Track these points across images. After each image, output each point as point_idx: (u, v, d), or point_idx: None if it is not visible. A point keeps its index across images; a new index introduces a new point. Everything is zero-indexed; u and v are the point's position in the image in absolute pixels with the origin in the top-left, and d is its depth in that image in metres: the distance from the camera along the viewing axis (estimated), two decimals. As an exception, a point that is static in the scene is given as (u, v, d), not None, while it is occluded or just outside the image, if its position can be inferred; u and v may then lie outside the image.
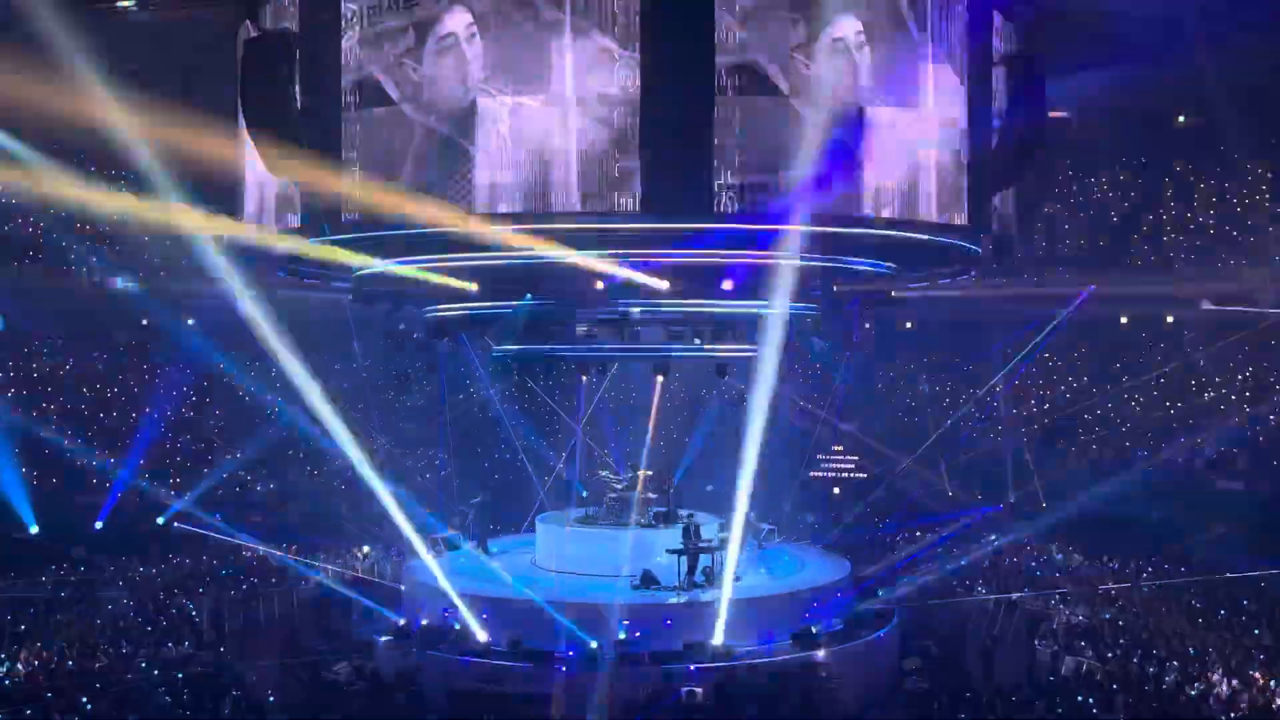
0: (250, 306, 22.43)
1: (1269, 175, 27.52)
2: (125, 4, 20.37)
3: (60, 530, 24.03)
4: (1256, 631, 18.55)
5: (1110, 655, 17.95)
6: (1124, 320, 30.50)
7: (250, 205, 18.45)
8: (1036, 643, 19.45)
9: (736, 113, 15.03)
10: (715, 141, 15.01)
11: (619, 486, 22.60)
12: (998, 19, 17.22)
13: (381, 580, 22.72)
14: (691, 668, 17.62)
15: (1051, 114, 17.91)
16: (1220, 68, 22.98)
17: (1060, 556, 24.25)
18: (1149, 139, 29.66)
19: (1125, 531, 24.05)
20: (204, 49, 20.96)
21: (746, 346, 21.18)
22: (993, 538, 24.66)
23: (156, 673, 17.00)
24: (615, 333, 19.34)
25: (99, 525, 24.56)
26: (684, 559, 20.00)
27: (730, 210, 15.23)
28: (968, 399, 30.23)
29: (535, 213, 15.41)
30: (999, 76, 17.06)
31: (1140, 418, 28.01)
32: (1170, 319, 29.50)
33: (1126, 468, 26.49)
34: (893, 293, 20.20)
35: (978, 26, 16.70)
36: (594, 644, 18.11)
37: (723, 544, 20.62)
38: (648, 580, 20.03)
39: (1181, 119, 29.66)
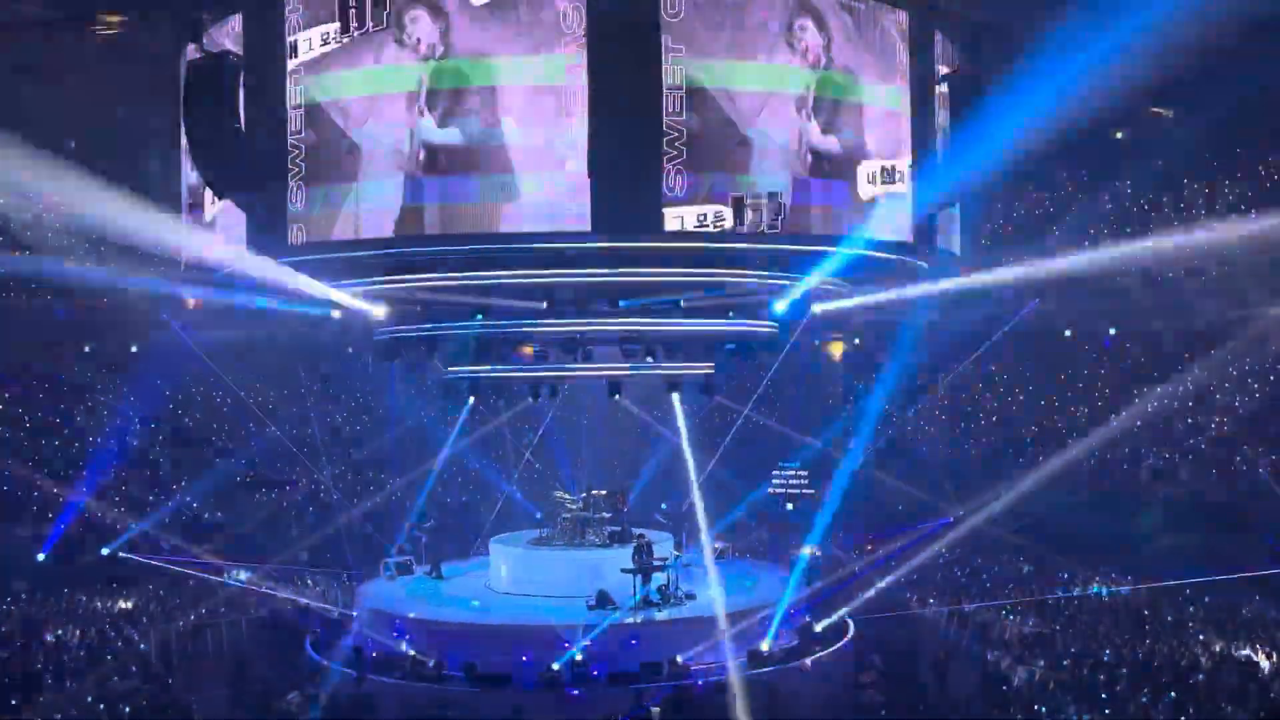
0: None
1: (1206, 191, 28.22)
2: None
3: (1, 563, 23.50)
4: (1202, 637, 18.85)
5: (1062, 663, 18.13)
6: (1068, 333, 31.11)
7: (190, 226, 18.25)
8: (989, 653, 19.60)
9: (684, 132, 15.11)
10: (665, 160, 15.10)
11: (573, 507, 22.53)
12: (939, 37, 17.49)
13: (333, 607, 22.44)
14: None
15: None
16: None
17: (1011, 567, 24.52)
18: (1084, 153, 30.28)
19: (1073, 541, 24.36)
20: (146, 70, 20.81)
21: (700, 364, 21.31)
22: (943, 550, 24.86)
23: (102, 707, 16.63)
24: (568, 352, 19.33)
25: (41, 557, 24.04)
26: (639, 578, 19.99)
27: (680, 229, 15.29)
28: (918, 411, 30.57)
29: (486, 233, 15.42)
30: (941, 94, 17.31)
31: (1084, 428, 28.42)
32: (1113, 330, 30.12)
33: (1072, 478, 26.85)
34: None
35: (920, 45, 16.96)
36: (556, 666, 18.04)
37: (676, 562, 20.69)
38: (603, 600, 19.96)
39: (1119, 134, 30.36)
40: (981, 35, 17.58)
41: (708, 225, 15.26)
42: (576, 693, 17.67)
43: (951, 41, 17.78)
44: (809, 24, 15.60)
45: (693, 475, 23.65)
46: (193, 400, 30.70)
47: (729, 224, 15.32)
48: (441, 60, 14.98)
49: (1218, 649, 18.22)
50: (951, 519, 26.40)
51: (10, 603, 22.03)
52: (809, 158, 15.74)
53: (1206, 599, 21.03)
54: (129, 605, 22.40)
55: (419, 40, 15.00)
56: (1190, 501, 25.75)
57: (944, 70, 17.48)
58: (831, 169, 16.02)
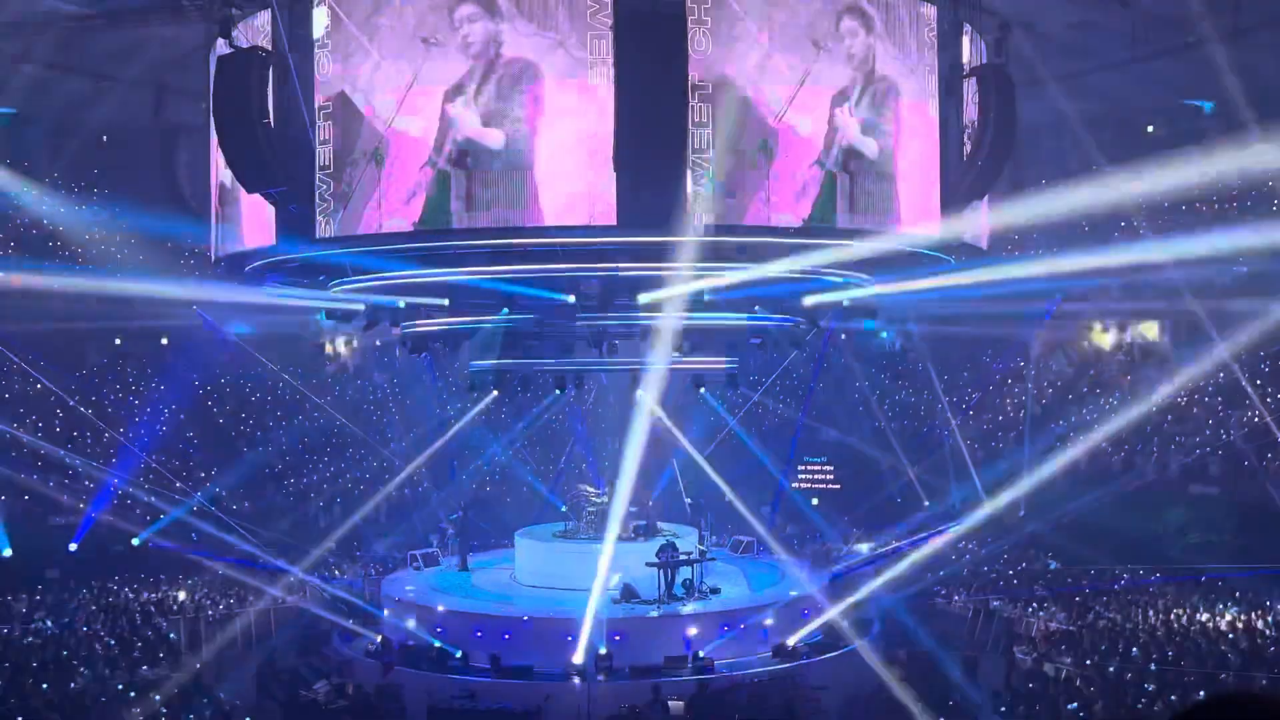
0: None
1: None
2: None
3: (34, 553, 23.78)
4: (1231, 636, 18.69)
5: (1089, 661, 18.03)
6: (1096, 326, 30.82)
7: (220, 222, 18.36)
8: (1016, 649, 19.52)
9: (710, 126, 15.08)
10: (690, 156, 15.06)
11: (597, 501, 22.58)
12: (968, 30, 17.37)
13: (360, 598, 22.59)
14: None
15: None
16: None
17: (1037, 564, 24.38)
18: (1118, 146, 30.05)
19: (1102, 538, 24.17)
20: (177, 66, 20.94)
21: (724, 359, 21.28)
22: (970, 545, 24.75)
23: (133, 695, 16.83)
24: (593, 346, 19.36)
25: (73, 547, 24.31)
26: (664, 572, 20.02)
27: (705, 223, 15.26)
28: (943, 408, 30.38)
29: (513, 227, 15.44)
30: (970, 87, 17.20)
31: (1112, 424, 28.15)
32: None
33: (1102, 474, 26.62)
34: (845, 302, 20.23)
35: (948, 38, 16.86)
36: (576, 659, 18.10)
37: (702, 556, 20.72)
38: (628, 594, 20.01)
39: (1151, 128, 30.06)
40: (1010, 29, 17.41)
41: None
42: (600, 683, 17.74)
43: (980, 35, 17.65)
44: (858, 27, 15.56)
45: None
46: (222, 391, 30.93)
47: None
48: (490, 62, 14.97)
49: (1245, 647, 18.07)
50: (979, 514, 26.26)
51: (43, 591, 22.33)
52: (840, 157, 15.67)
53: (1236, 594, 20.86)
54: (159, 594, 22.66)
55: (471, 42, 14.98)
56: (1222, 498, 25.46)
57: (973, 64, 17.37)
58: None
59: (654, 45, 14.75)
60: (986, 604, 21.66)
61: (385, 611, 21.18)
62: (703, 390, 23.88)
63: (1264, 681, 16.31)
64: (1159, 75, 24.38)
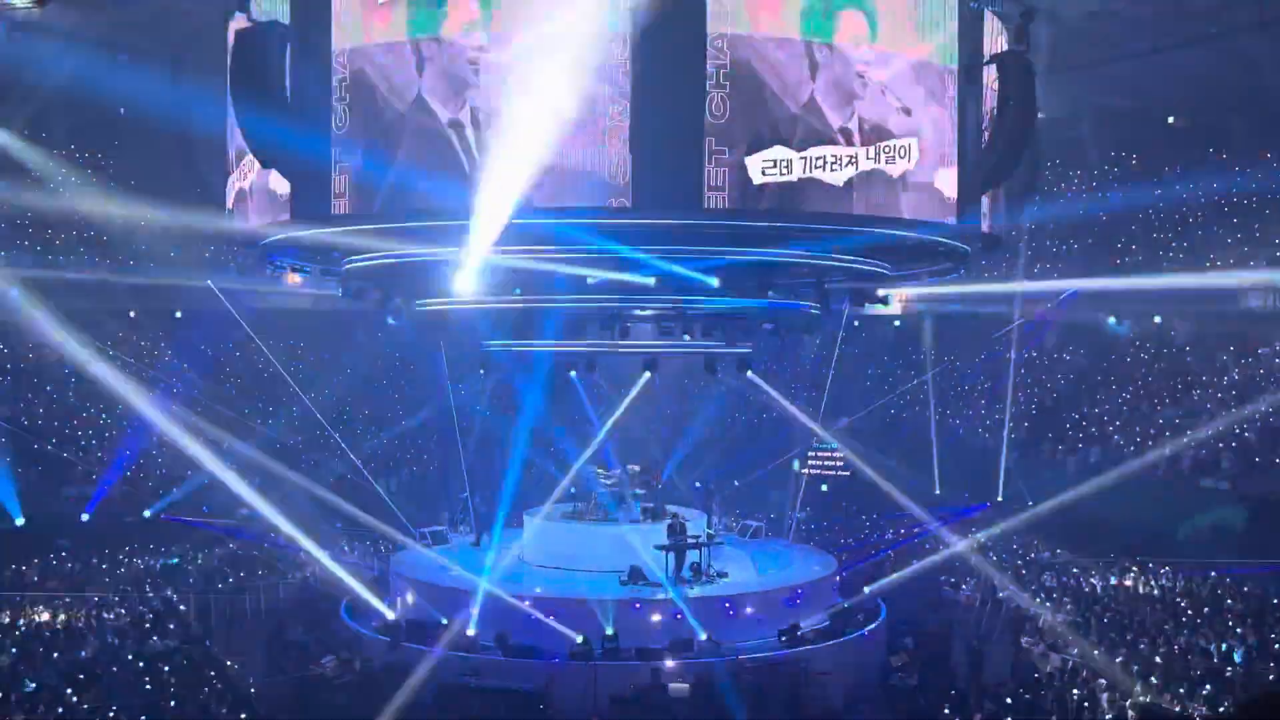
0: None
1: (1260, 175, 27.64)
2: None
3: (47, 522, 23.92)
4: (1240, 630, 18.62)
5: (1096, 651, 18.01)
6: (1111, 319, 30.68)
7: (235, 198, 18.33)
8: (1022, 639, 19.50)
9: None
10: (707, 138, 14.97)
11: (607, 482, 22.61)
12: (989, 16, 17.22)
13: (369, 574, 22.67)
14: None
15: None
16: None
17: (1046, 555, 24.32)
18: (1139, 139, 29.97)
19: (1111, 530, 24.10)
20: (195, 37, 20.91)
21: (739, 344, 21.22)
22: (979, 536, 24.72)
23: (142, 665, 16.93)
24: (605, 328, 19.30)
25: (86, 517, 24.44)
26: (672, 555, 20.05)
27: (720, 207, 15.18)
28: (955, 397, 30.35)
29: (524, 208, 15.36)
30: (989, 74, 17.06)
31: (1127, 417, 28.07)
32: (1158, 319, 29.69)
33: (1113, 467, 26.52)
34: (880, 291, 20.14)
35: (969, 24, 16.71)
36: (579, 639, 18.14)
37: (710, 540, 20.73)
38: (636, 576, 20.04)
39: (1172, 119, 29.87)
40: (1032, 16, 17.25)
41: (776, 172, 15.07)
42: (606, 666, 17.79)
43: (1002, 21, 17.50)
44: None
45: None
46: (235, 365, 31.02)
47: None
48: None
49: (1252, 641, 18.01)
50: (987, 505, 26.24)
51: (55, 561, 22.47)
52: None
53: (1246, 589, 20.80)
54: (169, 566, 22.79)
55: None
56: (1233, 493, 25.35)
57: (993, 51, 17.22)
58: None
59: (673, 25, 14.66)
60: (994, 593, 21.63)
61: (392, 588, 21.26)
62: (717, 374, 23.83)
63: (1270, 676, 16.25)
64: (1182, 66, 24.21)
